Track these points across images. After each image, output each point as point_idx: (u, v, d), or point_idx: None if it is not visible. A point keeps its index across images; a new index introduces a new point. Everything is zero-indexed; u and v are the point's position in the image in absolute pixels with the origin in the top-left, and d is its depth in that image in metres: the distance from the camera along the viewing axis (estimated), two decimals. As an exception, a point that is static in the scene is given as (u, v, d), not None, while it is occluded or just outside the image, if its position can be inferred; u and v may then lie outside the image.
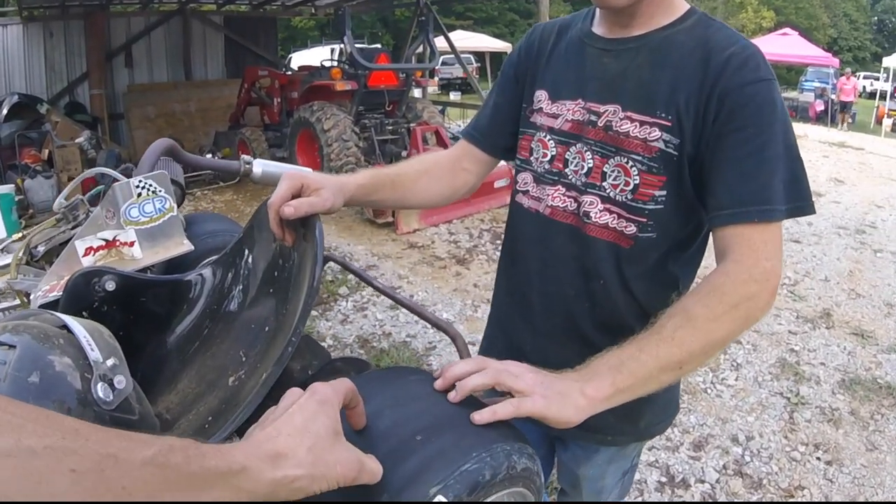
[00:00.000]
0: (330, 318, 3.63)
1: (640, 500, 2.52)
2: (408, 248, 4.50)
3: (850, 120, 17.88)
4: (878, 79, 22.44)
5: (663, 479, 2.66)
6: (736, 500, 1.96)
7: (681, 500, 1.91)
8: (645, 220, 1.08)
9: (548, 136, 1.19)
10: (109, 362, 0.91)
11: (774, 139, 0.96)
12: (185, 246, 1.50)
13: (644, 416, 1.27)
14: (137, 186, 1.48)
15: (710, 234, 1.04)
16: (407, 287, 3.94)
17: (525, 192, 1.25)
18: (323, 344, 3.11)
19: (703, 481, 2.65)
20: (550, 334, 1.23)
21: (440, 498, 0.68)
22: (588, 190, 1.12)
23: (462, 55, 10.56)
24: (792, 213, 0.97)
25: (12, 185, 5.94)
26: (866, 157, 11.64)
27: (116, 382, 0.90)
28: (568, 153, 1.16)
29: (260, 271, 1.25)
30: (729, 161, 0.98)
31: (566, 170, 1.16)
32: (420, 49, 8.66)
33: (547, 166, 1.20)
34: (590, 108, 1.12)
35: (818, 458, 2.82)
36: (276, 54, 13.27)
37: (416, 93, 8.94)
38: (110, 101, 9.83)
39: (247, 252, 1.29)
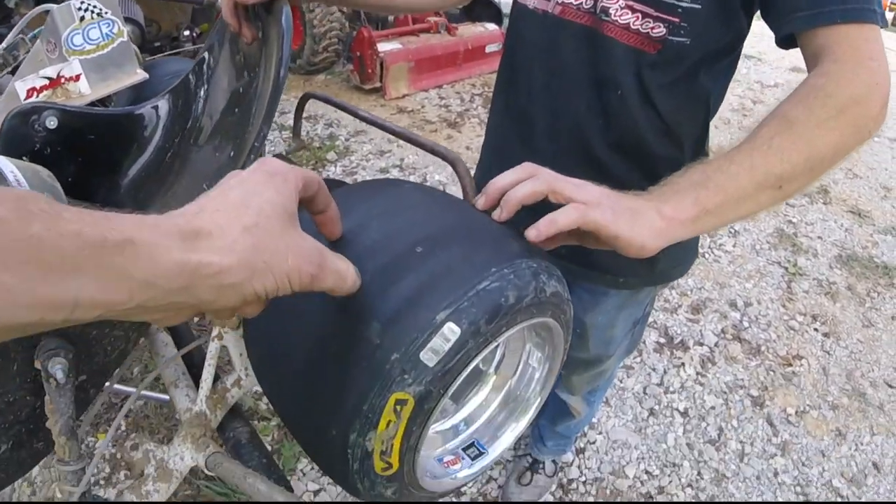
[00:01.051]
0: None
1: (638, 360, 2.47)
2: (397, 112, 4.28)
3: None
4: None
5: (662, 341, 2.63)
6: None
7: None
8: (678, 20, 0.89)
9: None
10: None
11: None
12: (139, 75, 1.32)
13: (661, 256, 1.10)
14: (79, 8, 1.30)
15: (778, 42, 0.86)
16: (397, 151, 3.75)
17: None
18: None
19: (701, 344, 2.62)
20: (555, 158, 1.03)
21: (451, 326, 0.52)
22: None
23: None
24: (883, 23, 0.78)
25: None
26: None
27: None
28: None
29: (222, 92, 1.08)
30: None
31: None
32: None
33: None
34: None
35: (816, 330, 2.80)
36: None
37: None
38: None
39: (207, 74, 1.11)
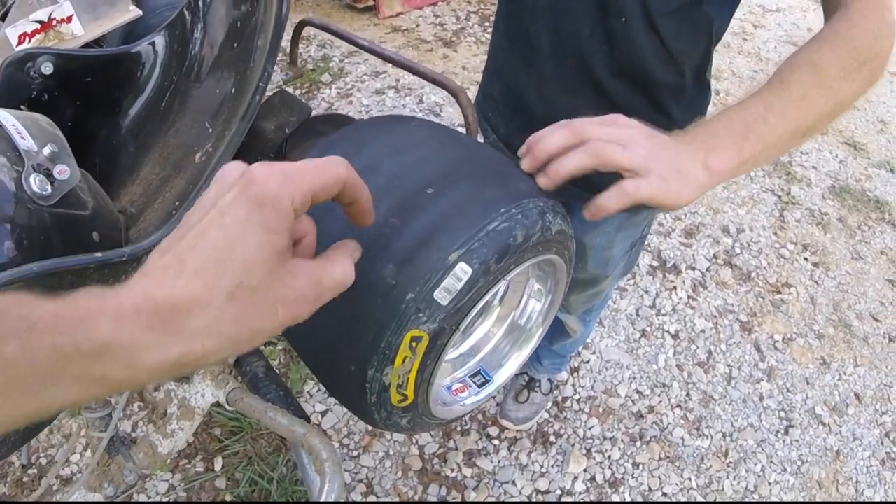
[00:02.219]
0: (314, 106, 3.40)
1: (633, 282, 2.53)
2: (391, 32, 4.17)
3: None
4: None
5: (655, 264, 2.66)
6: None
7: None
8: None
9: None
10: (46, 150, 0.77)
11: None
12: (132, 12, 1.28)
13: None
14: None
15: None
16: (392, 72, 3.68)
17: None
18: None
19: (693, 268, 2.66)
20: (560, 81, 1.05)
21: (462, 266, 0.54)
22: None
23: None
24: None
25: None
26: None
27: (57, 172, 0.77)
28: None
29: (221, 25, 1.06)
30: None
31: None
32: None
33: None
34: None
35: (805, 259, 2.84)
36: None
37: None
38: None
39: (203, 8, 1.08)
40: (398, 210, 0.56)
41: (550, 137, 0.65)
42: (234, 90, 0.97)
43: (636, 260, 1.45)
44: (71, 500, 0.80)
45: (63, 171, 0.78)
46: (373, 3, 4.38)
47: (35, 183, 0.73)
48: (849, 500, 2.04)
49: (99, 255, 0.71)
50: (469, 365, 0.79)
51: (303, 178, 0.38)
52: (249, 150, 0.77)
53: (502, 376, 0.80)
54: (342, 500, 0.59)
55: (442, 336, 0.56)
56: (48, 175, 0.76)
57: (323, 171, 0.40)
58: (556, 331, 1.77)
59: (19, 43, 1.26)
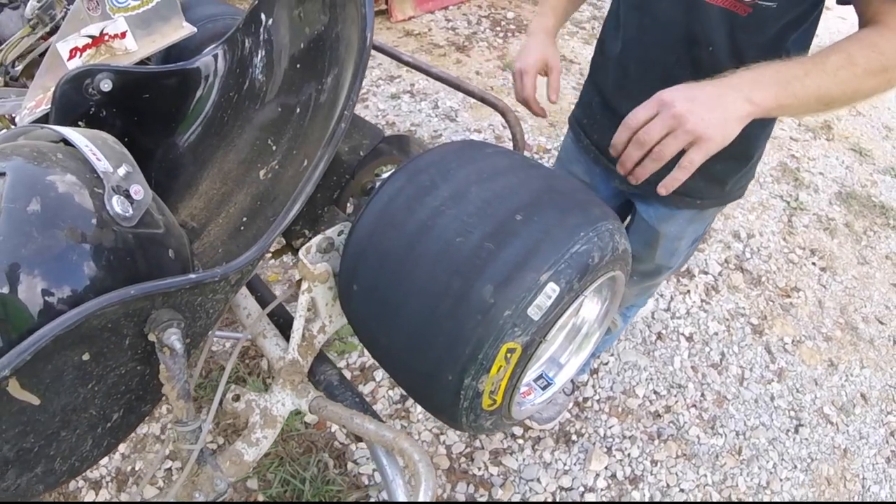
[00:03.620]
0: None
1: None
2: (404, 35, 4.20)
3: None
4: None
5: (669, 268, 2.73)
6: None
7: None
8: None
9: None
10: (121, 171, 0.79)
11: None
12: (186, 29, 1.30)
13: (731, 179, 1.30)
14: None
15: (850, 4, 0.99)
16: (406, 76, 3.72)
17: None
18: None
19: (706, 273, 2.73)
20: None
21: (552, 285, 0.61)
22: None
23: None
24: None
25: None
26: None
27: (133, 193, 0.78)
28: None
29: (283, 46, 1.08)
30: None
31: None
32: None
33: None
34: None
35: (814, 264, 2.90)
36: None
37: None
38: None
39: (263, 25, 1.11)
40: (491, 236, 0.62)
41: (639, 113, 0.84)
42: (298, 110, 1.01)
43: (691, 254, 1.59)
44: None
45: (138, 191, 0.79)
46: (385, 7, 4.42)
47: (117, 204, 0.75)
48: (856, 501, 2.11)
49: (193, 276, 0.73)
50: (533, 369, 0.85)
51: None
52: (327, 172, 0.83)
53: (563, 378, 0.86)
54: (436, 499, 0.65)
55: (532, 346, 0.63)
56: (127, 196, 0.78)
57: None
58: None
59: (70, 58, 1.27)
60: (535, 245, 0.62)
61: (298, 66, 1.03)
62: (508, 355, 0.61)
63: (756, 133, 1.22)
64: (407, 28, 4.29)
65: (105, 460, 1.86)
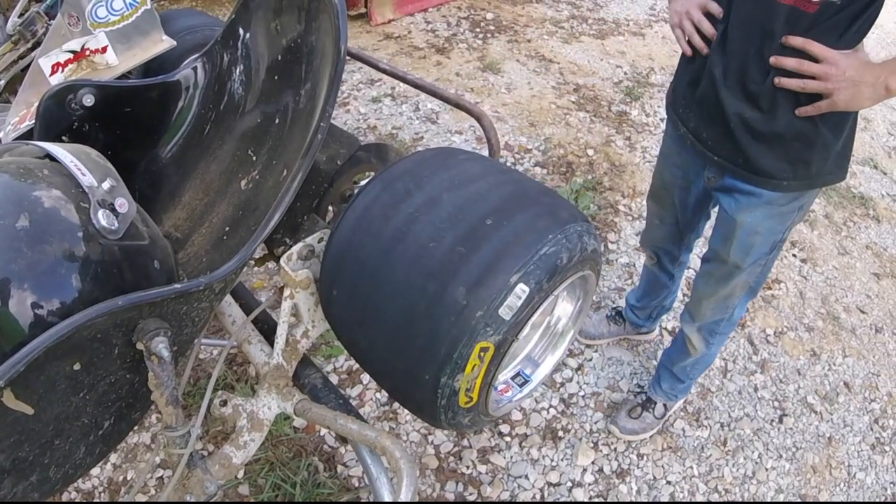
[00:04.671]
0: None
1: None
2: (384, 39, 4.22)
3: None
4: None
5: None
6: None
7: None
8: None
9: None
10: (106, 185, 0.81)
11: None
12: (166, 42, 1.32)
13: (814, 160, 1.35)
14: None
15: None
16: (387, 79, 3.73)
17: None
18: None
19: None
20: (729, 86, 1.34)
21: (522, 286, 0.64)
22: None
23: None
24: None
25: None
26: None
27: (118, 206, 0.81)
28: None
29: (261, 58, 1.11)
30: None
31: None
32: None
33: None
34: None
35: (794, 255, 2.95)
36: None
37: None
38: None
39: (241, 38, 1.14)
40: (463, 240, 0.65)
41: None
42: (277, 120, 1.04)
43: (769, 271, 1.64)
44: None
45: (122, 204, 0.82)
46: (365, 11, 4.44)
47: (103, 218, 0.77)
48: (844, 500, 2.13)
49: (178, 286, 0.76)
50: (510, 367, 0.88)
51: None
52: (305, 181, 0.85)
53: (539, 376, 0.89)
54: (420, 496, 0.68)
55: (504, 345, 0.66)
56: (112, 209, 0.80)
57: None
58: (678, 349, 1.94)
59: (52, 73, 1.30)
60: (505, 248, 0.65)
61: (276, 77, 1.06)
62: (482, 354, 0.64)
63: (836, 118, 1.29)
64: (387, 31, 4.31)
65: (97, 470, 1.88)
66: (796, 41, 1.18)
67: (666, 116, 1.65)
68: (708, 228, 1.80)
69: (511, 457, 2.02)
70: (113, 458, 1.91)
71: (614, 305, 2.49)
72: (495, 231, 0.66)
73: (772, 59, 1.21)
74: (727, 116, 1.35)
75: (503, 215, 0.68)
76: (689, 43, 1.40)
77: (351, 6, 4.41)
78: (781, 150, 1.33)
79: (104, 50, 1.30)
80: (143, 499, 1.83)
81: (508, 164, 3.16)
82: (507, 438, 2.06)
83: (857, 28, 1.19)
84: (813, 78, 1.19)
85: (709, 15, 1.37)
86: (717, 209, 1.58)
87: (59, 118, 1.07)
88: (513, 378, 0.87)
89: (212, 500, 0.83)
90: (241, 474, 1.88)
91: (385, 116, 3.46)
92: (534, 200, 0.71)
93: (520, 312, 0.64)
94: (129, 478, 1.86)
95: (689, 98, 1.48)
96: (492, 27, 4.45)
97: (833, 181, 1.44)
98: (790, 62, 1.19)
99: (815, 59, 1.19)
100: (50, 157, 0.84)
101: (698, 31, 1.39)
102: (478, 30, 4.40)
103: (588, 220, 0.75)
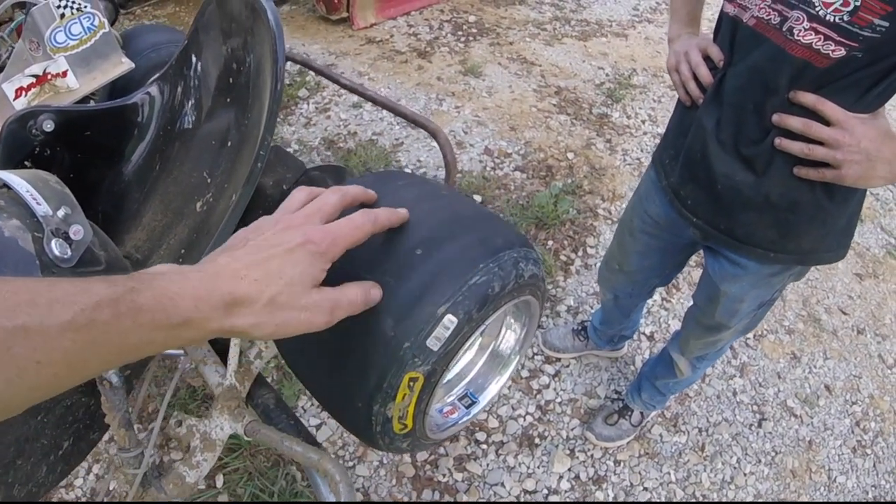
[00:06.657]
0: (292, 122, 3.45)
1: None
2: (366, 43, 4.23)
3: None
4: None
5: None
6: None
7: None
8: (857, 45, 0.94)
9: None
10: (60, 213, 0.80)
11: None
12: (125, 64, 1.35)
13: (806, 235, 1.21)
14: (59, 6, 1.30)
15: None
16: (368, 83, 3.74)
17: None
18: (289, 150, 2.99)
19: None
20: (722, 141, 1.19)
21: (450, 317, 0.64)
22: (799, 4, 0.98)
23: None
24: None
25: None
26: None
27: (73, 233, 0.80)
28: None
29: (212, 80, 1.12)
30: None
31: None
32: None
33: None
34: None
35: (774, 256, 2.95)
36: None
37: None
38: None
39: (195, 60, 1.15)
40: (392, 271, 0.66)
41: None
42: (230, 143, 1.05)
43: (759, 322, 1.55)
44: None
45: (77, 231, 0.81)
46: (347, 15, 4.44)
47: (56, 248, 0.76)
48: (826, 501, 2.14)
49: None
50: (457, 389, 0.89)
51: (345, 240, 0.57)
52: (252, 207, 0.86)
53: (487, 397, 0.90)
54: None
55: (434, 375, 0.66)
56: (66, 238, 0.79)
57: (359, 230, 0.59)
58: (665, 367, 1.89)
59: (16, 97, 1.32)
60: (433, 279, 0.65)
61: (228, 100, 1.07)
62: (411, 384, 0.65)
63: (844, 190, 1.13)
64: (369, 35, 4.31)
65: (80, 481, 1.89)
66: (807, 98, 1.01)
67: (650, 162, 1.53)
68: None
69: (487, 464, 2.03)
70: (95, 468, 1.92)
71: (582, 319, 2.47)
72: (423, 262, 0.66)
73: (774, 118, 1.06)
74: (714, 176, 1.20)
75: (433, 244, 0.68)
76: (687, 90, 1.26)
77: (333, 10, 4.41)
78: (771, 218, 1.19)
79: (65, 74, 1.33)
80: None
81: (488, 168, 3.17)
82: (484, 446, 2.08)
83: (882, 89, 1.00)
84: (821, 144, 1.03)
85: (708, 60, 1.22)
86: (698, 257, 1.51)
87: (21, 144, 1.08)
88: (459, 399, 0.87)
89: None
90: (220, 483, 1.89)
91: (366, 122, 3.47)
92: (468, 228, 0.72)
93: (448, 343, 0.65)
94: (111, 488, 1.87)
95: (677, 149, 1.34)
96: (474, 30, 4.46)
97: (830, 260, 1.26)
98: (796, 122, 1.03)
99: (825, 122, 1.02)
100: (6, 185, 0.84)
101: (695, 76, 1.24)
102: (460, 33, 4.40)
103: (528, 245, 0.76)
